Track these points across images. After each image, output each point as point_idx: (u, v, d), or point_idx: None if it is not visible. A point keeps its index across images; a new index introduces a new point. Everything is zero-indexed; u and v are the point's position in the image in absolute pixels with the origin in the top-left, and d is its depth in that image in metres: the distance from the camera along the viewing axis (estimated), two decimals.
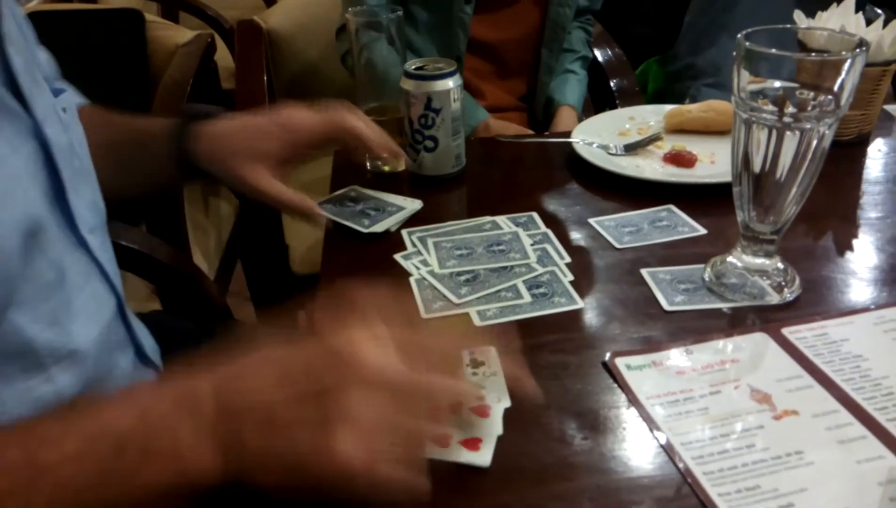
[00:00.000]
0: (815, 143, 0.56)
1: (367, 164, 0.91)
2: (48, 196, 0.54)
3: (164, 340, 0.72)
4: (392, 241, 0.74)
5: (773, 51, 0.54)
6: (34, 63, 0.59)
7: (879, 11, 1.58)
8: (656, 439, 0.49)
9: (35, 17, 0.66)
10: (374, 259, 0.72)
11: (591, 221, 0.76)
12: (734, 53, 0.56)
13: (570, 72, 1.40)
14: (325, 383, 0.40)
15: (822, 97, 0.55)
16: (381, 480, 0.39)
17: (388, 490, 0.39)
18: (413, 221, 0.78)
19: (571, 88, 1.38)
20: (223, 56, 1.67)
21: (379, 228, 0.75)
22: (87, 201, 0.61)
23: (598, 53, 1.50)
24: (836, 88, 0.54)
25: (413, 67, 0.82)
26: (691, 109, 0.95)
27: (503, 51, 1.32)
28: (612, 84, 1.46)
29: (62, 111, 0.60)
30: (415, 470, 0.40)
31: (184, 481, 0.40)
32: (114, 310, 0.62)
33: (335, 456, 0.38)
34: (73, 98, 0.69)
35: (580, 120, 1.26)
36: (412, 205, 0.80)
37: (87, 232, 0.58)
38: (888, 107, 1.02)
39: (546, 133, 1.34)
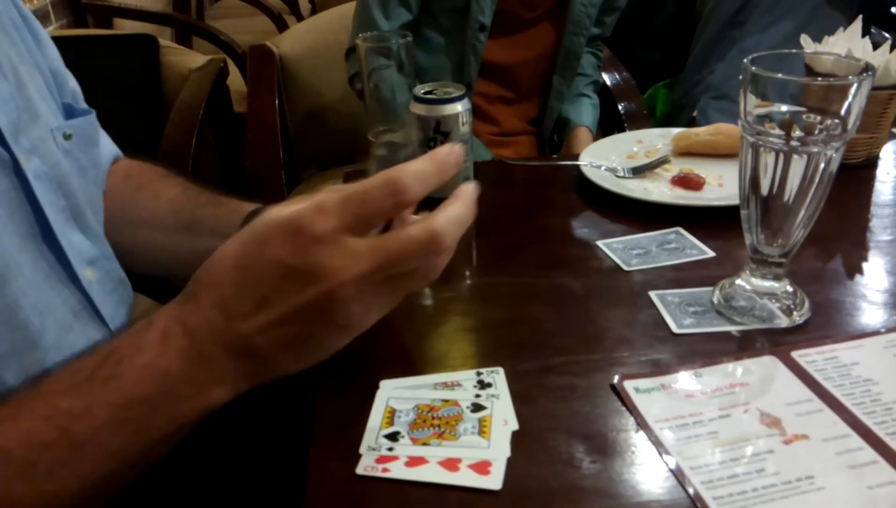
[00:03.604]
0: (822, 166, 0.56)
1: None
2: (31, 233, 0.52)
3: None
4: None
5: (780, 75, 0.54)
6: (27, 86, 0.56)
7: (886, 35, 1.59)
8: (665, 463, 0.49)
9: None
10: None
11: (600, 243, 0.76)
12: (741, 77, 0.56)
13: (584, 95, 1.41)
14: (312, 295, 0.42)
15: (828, 121, 0.55)
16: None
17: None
18: None
19: (586, 110, 1.39)
20: (235, 80, 1.70)
21: None
22: (93, 231, 0.59)
23: (606, 77, 1.51)
24: (842, 112, 0.54)
25: (422, 91, 0.83)
26: (699, 133, 0.95)
27: (515, 74, 1.33)
28: (619, 107, 1.47)
29: (63, 138, 0.57)
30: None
31: (214, 407, 0.45)
32: None
33: (344, 342, 0.45)
34: (91, 125, 0.67)
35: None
36: None
37: (83, 266, 0.56)
38: None
39: (555, 155, 1.35)
